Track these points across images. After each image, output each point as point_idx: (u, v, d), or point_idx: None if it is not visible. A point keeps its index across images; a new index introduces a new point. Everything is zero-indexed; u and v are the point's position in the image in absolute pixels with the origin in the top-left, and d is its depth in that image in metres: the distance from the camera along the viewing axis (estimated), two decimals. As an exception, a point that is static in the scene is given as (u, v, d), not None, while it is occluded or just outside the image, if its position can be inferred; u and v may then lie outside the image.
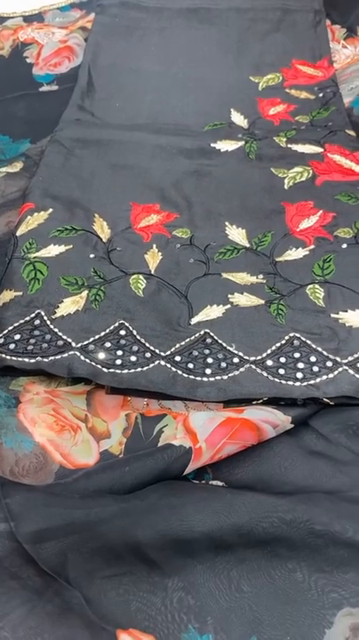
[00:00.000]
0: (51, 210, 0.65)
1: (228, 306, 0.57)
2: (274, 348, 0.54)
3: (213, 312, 0.57)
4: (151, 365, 0.53)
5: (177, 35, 0.93)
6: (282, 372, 0.52)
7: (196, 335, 0.55)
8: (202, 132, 0.78)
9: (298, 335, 0.54)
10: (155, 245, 0.63)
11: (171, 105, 0.83)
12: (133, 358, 0.53)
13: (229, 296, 0.58)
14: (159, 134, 0.77)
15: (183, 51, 0.91)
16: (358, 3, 0.96)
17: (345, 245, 0.62)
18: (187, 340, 0.55)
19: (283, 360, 0.53)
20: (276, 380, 0.51)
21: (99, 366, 0.52)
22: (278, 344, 0.54)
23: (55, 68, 0.93)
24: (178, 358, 0.53)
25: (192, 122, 0.80)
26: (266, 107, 0.82)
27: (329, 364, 0.52)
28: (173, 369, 0.53)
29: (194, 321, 0.56)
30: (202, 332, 0.55)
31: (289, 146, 0.74)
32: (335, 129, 0.77)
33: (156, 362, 0.53)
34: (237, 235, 0.64)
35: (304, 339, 0.54)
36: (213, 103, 0.83)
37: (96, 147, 0.75)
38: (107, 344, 0.54)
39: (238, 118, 0.80)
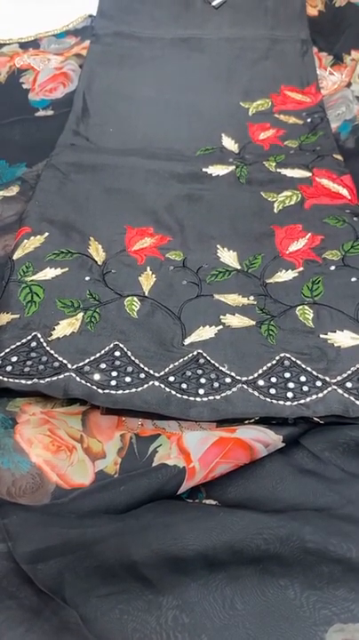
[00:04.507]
0: (47, 234, 0.67)
1: (220, 327, 0.59)
2: (265, 368, 0.55)
3: (206, 333, 0.58)
4: (145, 386, 0.54)
5: (169, 62, 0.96)
6: (273, 391, 0.53)
7: (189, 356, 0.56)
8: (193, 156, 0.80)
9: (288, 355, 0.56)
10: (148, 268, 0.65)
11: (164, 130, 0.85)
12: (128, 379, 0.54)
13: (221, 317, 0.60)
14: (152, 159, 0.79)
15: (175, 77, 0.94)
16: (344, 31, 1.00)
17: (333, 267, 0.64)
18: (181, 360, 0.56)
19: (273, 380, 0.54)
20: (268, 399, 0.53)
21: (95, 387, 0.53)
22: (269, 364, 0.55)
23: (51, 93, 0.96)
24: (171, 379, 0.55)
25: (184, 147, 0.82)
26: (256, 131, 0.85)
27: (318, 383, 0.53)
28: (167, 389, 0.54)
29: (187, 342, 0.58)
30: (195, 353, 0.57)
31: (278, 170, 0.77)
32: (323, 153, 0.80)
33: (151, 382, 0.54)
34: (228, 257, 0.66)
35: (294, 359, 0.56)
36: (205, 128, 0.86)
37: (91, 171, 0.77)
38: (103, 365, 0.55)
39: (229, 143, 0.83)
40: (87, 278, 0.63)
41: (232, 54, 0.96)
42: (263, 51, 0.96)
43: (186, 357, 0.56)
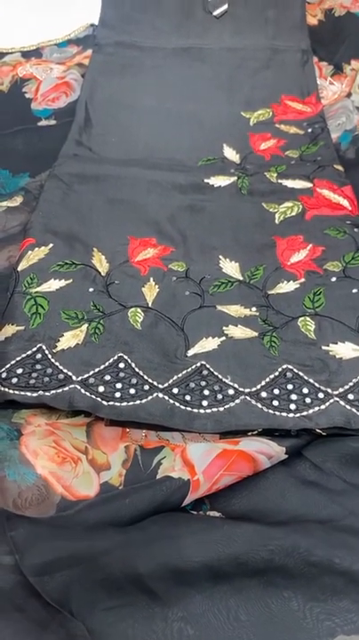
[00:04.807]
0: (51, 245, 0.67)
1: (223, 338, 0.59)
2: (267, 379, 0.56)
3: (209, 344, 0.59)
4: (149, 398, 0.54)
5: (171, 72, 0.96)
6: (275, 403, 0.54)
7: (193, 367, 0.57)
8: (195, 167, 0.81)
9: (290, 367, 0.56)
10: (152, 278, 0.65)
11: (166, 140, 0.86)
12: (132, 391, 0.55)
13: (224, 328, 0.60)
14: (154, 170, 0.80)
15: (176, 87, 0.94)
16: (344, 40, 1.01)
17: (334, 279, 0.64)
18: (184, 371, 0.57)
19: (276, 392, 0.55)
20: (270, 411, 0.53)
21: (99, 399, 0.54)
22: (272, 376, 0.56)
23: (53, 103, 0.96)
24: (175, 390, 0.55)
25: (185, 157, 0.83)
26: (257, 141, 0.85)
27: (320, 395, 0.54)
28: (171, 401, 0.54)
29: (190, 353, 0.58)
30: (198, 364, 0.57)
31: (279, 181, 0.77)
32: (324, 164, 0.80)
33: (155, 394, 0.55)
34: (231, 268, 0.67)
35: (296, 370, 0.56)
36: (206, 138, 0.86)
37: (94, 182, 0.77)
38: (107, 377, 0.56)
39: (230, 153, 0.83)
40: (91, 289, 0.63)
41: (233, 64, 0.97)
42: (264, 60, 0.97)
43: (189, 369, 0.57)
